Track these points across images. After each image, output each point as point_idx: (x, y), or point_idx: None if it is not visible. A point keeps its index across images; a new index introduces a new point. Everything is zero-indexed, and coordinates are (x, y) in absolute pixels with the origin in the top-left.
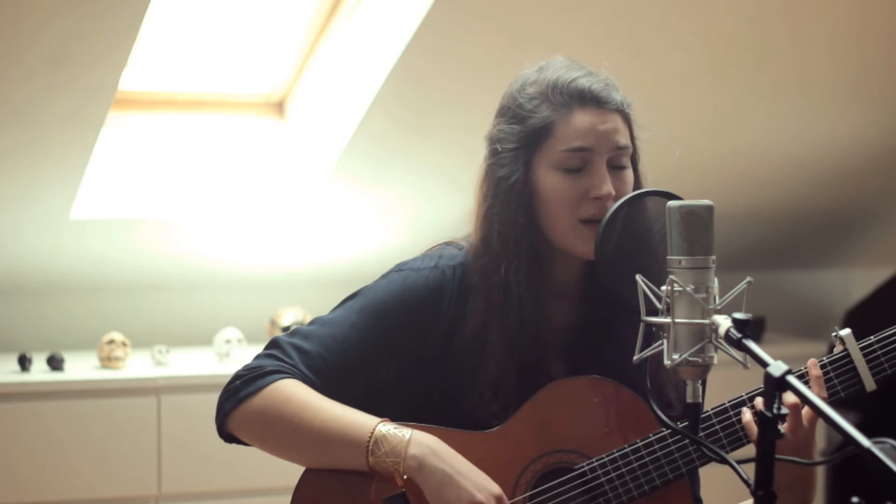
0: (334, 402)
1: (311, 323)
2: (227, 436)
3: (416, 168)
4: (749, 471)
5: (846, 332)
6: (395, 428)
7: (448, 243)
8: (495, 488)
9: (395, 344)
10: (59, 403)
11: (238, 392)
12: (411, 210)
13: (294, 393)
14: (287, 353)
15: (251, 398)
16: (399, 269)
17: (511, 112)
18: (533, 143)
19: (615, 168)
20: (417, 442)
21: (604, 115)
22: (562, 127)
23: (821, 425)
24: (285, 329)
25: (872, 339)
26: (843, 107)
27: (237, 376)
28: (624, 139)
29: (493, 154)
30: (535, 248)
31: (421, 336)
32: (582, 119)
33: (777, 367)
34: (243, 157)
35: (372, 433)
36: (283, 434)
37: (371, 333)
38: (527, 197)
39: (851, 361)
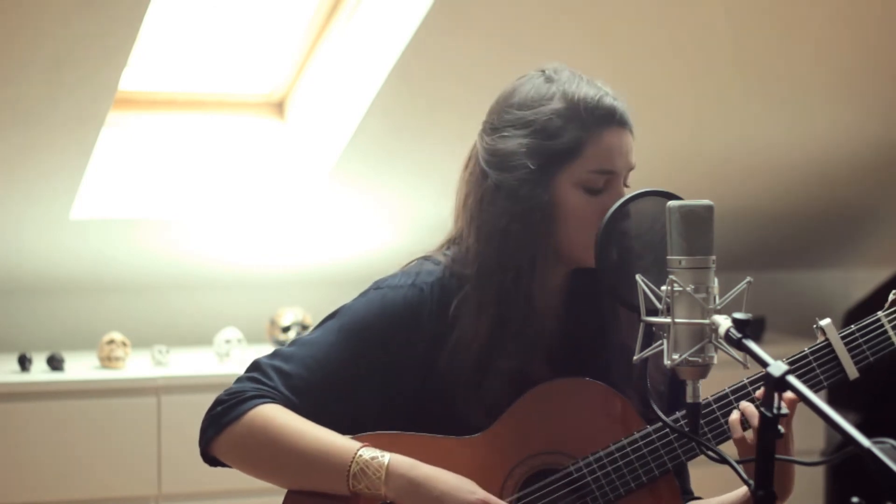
0: (314, 425)
1: (292, 344)
2: (212, 460)
3: (416, 168)
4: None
5: (826, 321)
6: (371, 457)
7: (425, 258)
8: (478, 499)
9: (376, 361)
10: (59, 403)
11: (219, 419)
12: (411, 210)
13: (273, 419)
14: (268, 376)
15: (232, 425)
16: (377, 286)
17: (536, 126)
18: (560, 162)
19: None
20: (394, 474)
21: (624, 134)
22: (592, 148)
23: (821, 425)
24: (285, 329)
25: (853, 327)
26: (842, 106)
27: (218, 402)
28: (634, 158)
29: (513, 168)
30: (546, 264)
31: (401, 353)
32: (610, 141)
33: (777, 367)
34: (243, 157)
35: (351, 463)
36: (264, 461)
37: (351, 352)
38: (551, 213)
39: (833, 350)
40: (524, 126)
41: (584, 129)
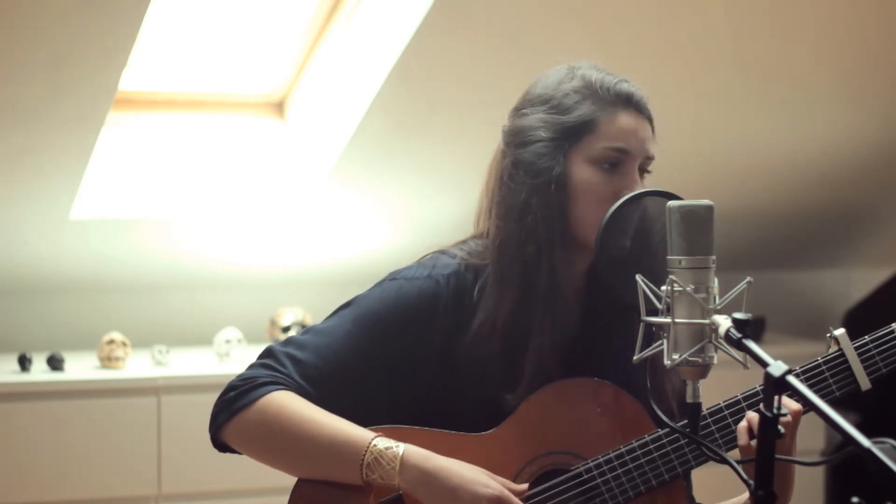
0: (327, 413)
1: (305, 332)
2: (222, 445)
3: (416, 168)
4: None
5: (840, 331)
6: (386, 447)
7: (441, 252)
8: (492, 492)
9: (390, 352)
10: (59, 403)
11: (231, 404)
12: (411, 210)
13: (286, 406)
14: (281, 363)
15: (244, 410)
16: (393, 277)
17: (553, 101)
18: (574, 136)
19: (641, 174)
20: (409, 465)
21: (641, 121)
22: (606, 124)
23: (821, 425)
24: (285, 329)
25: (867, 338)
26: (842, 106)
27: (231, 387)
28: (653, 149)
29: (529, 142)
30: (564, 241)
31: (416, 345)
32: (626, 120)
33: (777, 367)
34: (243, 157)
35: (365, 453)
36: (276, 448)
37: (365, 342)
38: (565, 188)
39: (846, 360)
40: (543, 103)
41: (600, 106)
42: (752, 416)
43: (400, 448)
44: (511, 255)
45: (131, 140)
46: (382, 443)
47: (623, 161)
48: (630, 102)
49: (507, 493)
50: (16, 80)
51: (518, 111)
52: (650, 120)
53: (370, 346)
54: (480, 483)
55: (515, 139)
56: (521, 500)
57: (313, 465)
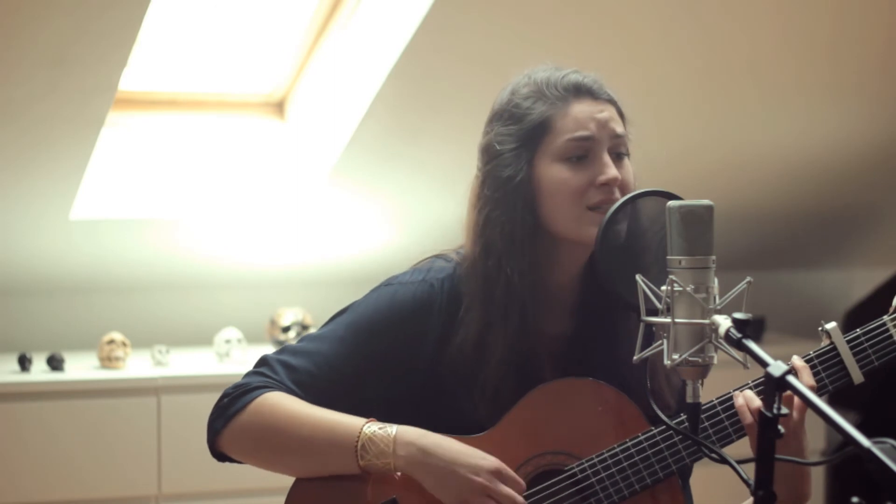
0: (320, 408)
1: (301, 339)
2: (220, 455)
3: (416, 168)
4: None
5: (832, 325)
6: (379, 428)
7: (438, 256)
8: (490, 464)
9: (384, 358)
10: (59, 403)
11: (226, 410)
12: (411, 210)
13: (279, 404)
14: (274, 370)
15: (239, 414)
16: (388, 283)
17: (507, 114)
18: (533, 140)
19: (615, 156)
20: (403, 442)
21: (599, 104)
22: (561, 119)
23: (821, 425)
24: (285, 329)
25: (859, 331)
26: (843, 106)
27: (225, 395)
28: (620, 127)
29: (493, 157)
30: (538, 249)
31: (410, 349)
32: (580, 109)
33: (777, 367)
34: (243, 157)
35: (358, 436)
36: (273, 447)
37: (360, 348)
38: (531, 194)
39: (838, 354)
40: (499, 117)
41: (550, 103)
42: (749, 395)
43: (392, 428)
44: (477, 271)
45: (131, 140)
46: (375, 426)
47: (590, 148)
48: (581, 91)
49: (504, 465)
50: (15, 80)
51: (484, 131)
52: (612, 101)
53: (364, 352)
54: (478, 455)
55: (483, 158)
56: None
57: (310, 458)
